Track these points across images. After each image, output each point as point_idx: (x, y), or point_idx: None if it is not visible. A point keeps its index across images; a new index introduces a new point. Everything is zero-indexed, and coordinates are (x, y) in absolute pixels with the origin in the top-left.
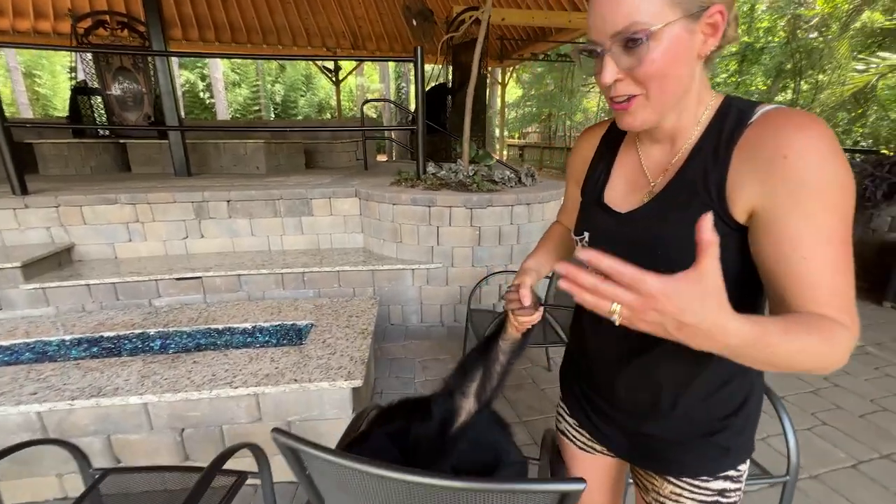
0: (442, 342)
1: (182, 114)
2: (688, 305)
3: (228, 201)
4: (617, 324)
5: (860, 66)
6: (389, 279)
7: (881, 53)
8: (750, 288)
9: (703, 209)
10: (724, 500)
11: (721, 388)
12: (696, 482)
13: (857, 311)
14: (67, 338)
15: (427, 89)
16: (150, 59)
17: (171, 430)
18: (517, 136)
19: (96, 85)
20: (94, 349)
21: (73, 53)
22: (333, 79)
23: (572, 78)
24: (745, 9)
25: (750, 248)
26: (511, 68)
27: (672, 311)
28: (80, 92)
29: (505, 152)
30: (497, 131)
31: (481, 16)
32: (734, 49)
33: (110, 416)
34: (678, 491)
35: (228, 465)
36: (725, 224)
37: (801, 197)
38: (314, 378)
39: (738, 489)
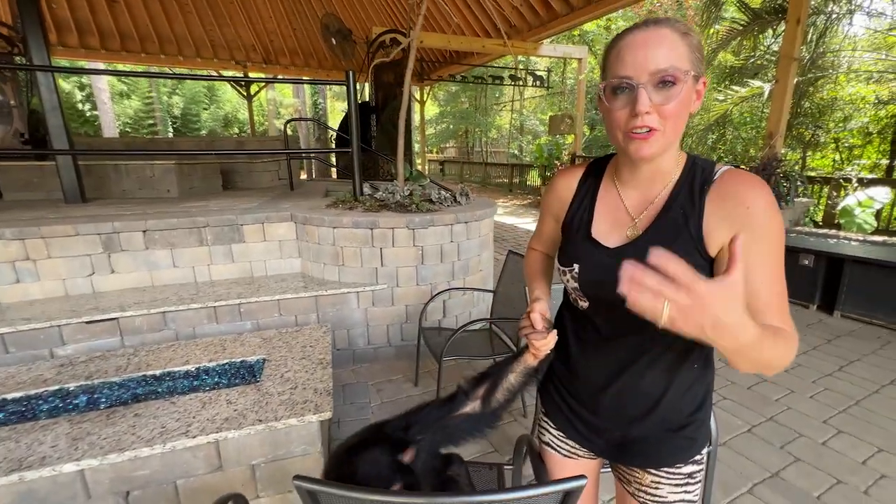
0: (391, 363)
1: (69, 132)
2: (728, 305)
3: (145, 231)
4: (660, 325)
5: (720, 97)
6: (333, 304)
7: (734, 87)
8: None
9: (687, 245)
10: (692, 480)
11: (688, 390)
12: (672, 469)
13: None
14: None
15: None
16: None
17: (113, 495)
18: (436, 151)
19: None
20: None
21: None
22: (244, 93)
23: (486, 97)
24: None
25: (716, 272)
26: (429, 87)
27: (716, 310)
28: None
29: (427, 167)
30: (417, 146)
31: (409, 41)
32: None
33: (34, 491)
34: (657, 479)
35: None
36: (701, 257)
37: (760, 237)
38: (280, 416)
39: (702, 469)
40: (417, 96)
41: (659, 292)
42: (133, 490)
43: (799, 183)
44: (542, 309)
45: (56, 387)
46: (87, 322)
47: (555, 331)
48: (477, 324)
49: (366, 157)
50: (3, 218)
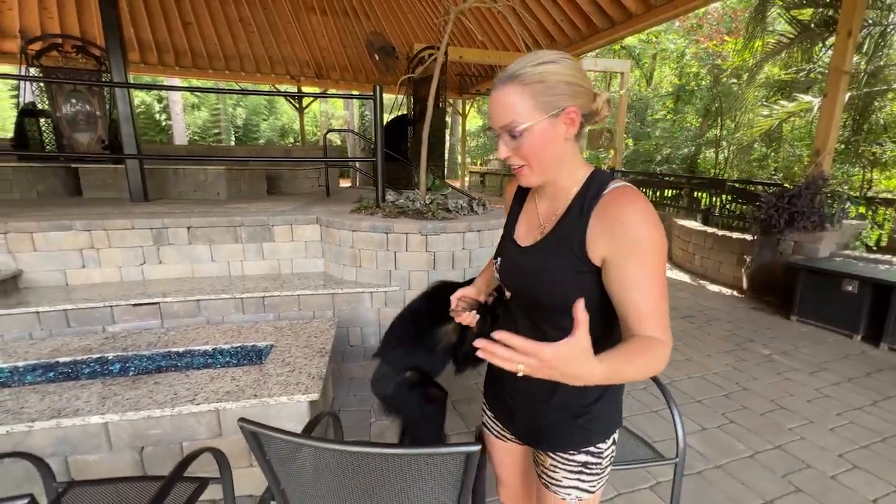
0: None
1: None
2: (570, 363)
3: (189, 227)
4: (520, 375)
5: (765, 112)
6: (349, 302)
7: (781, 101)
8: (609, 311)
9: (572, 253)
10: (587, 470)
11: (580, 391)
12: (566, 455)
13: (669, 327)
14: (20, 364)
15: (389, 120)
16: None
17: (130, 448)
18: (479, 162)
19: (45, 106)
20: (51, 374)
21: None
22: (297, 105)
23: None
24: (675, 55)
25: (604, 282)
26: (471, 100)
27: (560, 368)
28: (27, 114)
29: (467, 178)
30: (459, 158)
31: (434, 56)
32: (670, 90)
33: (69, 437)
34: (554, 463)
35: (190, 472)
36: (586, 266)
37: (634, 250)
38: (273, 393)
39: (600, 464)
40: (460, 109)
41: (509, 360)
42: (147, 446)
43: (848, 203)
44: (465, 293)
45: (98, 355)
46: (133, 305)
47: (473, 312)
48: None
49: (398, 167)
50: (77, 212)
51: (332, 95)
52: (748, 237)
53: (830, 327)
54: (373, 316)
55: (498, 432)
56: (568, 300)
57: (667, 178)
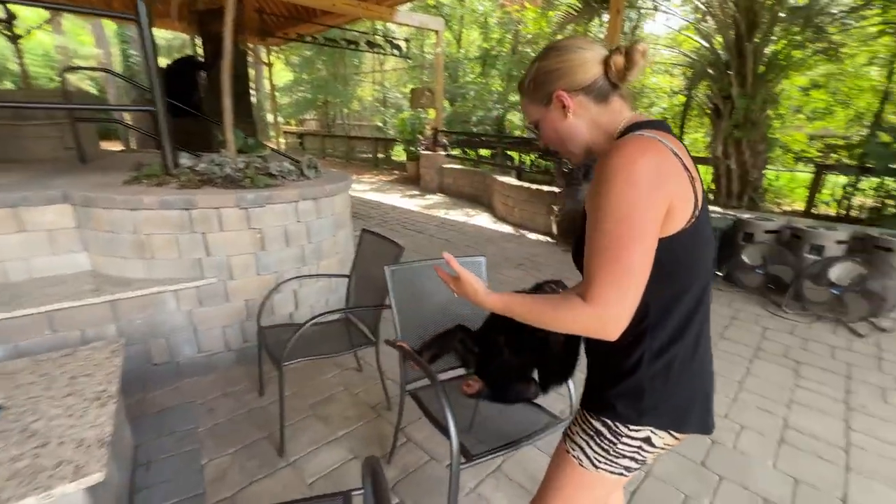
0: (231, 371)
1: None
2: (465, 290)
3: None
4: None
5: None
6: (142, 308)
7: None
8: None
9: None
10: (598, 440)
11: (621, 357)
12: (587, 414)
13: (604, 290)
14: None
15: (172, 62)
16: None
17: None
18: (294, 123)
19: None
20: None
21: None
22: (8, 32)
23: (345, 65)
24: (482, 20)
25: None
26: (276, 48)
27: (461, 291)
28: None
29: (282, 140)
30: (270, 117)
31: None
32: (477, 55)
33: None
34: (578, 417)
35: None
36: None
37: (592, 205)
38: (9, 497)
39: (614, 445)
40: (264, 57)
41: (443, 278)
42: None
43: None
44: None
45: None
46: None
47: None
48: (331, 314)
49: (193, 124)
50: None
51: (69, 8)
52: (556, 189)
53: None
54: (182, 320)
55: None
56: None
57: (482, 139)
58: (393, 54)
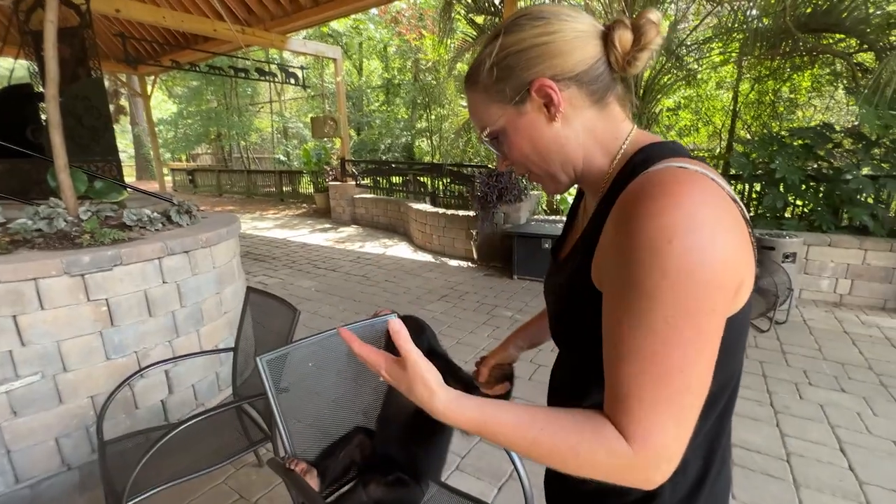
0: (72, 498)
1: None
2: (410, 386)
3: None
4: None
5: (463, 104)
6: None
7: None
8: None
9: (584, 270)
10: None
11: None
12: None
13: (657, 422)
14: None
15: None
16: None
17: None
18: (184, 158)
19: None
20: None
21: None
22: None
23: (237, 95)
24: (380, 48)
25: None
26: (158, 78)
27: (406, 387)
28: None
29: (168, 178)
30: (151, 153)
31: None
32: (380, 83)
33: None
34: None
35: None
36: (587, 287)
37: (623, 281)
38: None
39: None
40: (138, 88)
41: (363, 359)
42: None
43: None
44: (500, 356)
45: None
46: None
47: (507, 384)
48: (197, 418)
49: (31, 168)
50: None
51: None
52: (471, 213)
53: (541, 279)
54: None
55: None
56: (587, 329)
57: (393, 166)
58: (288, 83)
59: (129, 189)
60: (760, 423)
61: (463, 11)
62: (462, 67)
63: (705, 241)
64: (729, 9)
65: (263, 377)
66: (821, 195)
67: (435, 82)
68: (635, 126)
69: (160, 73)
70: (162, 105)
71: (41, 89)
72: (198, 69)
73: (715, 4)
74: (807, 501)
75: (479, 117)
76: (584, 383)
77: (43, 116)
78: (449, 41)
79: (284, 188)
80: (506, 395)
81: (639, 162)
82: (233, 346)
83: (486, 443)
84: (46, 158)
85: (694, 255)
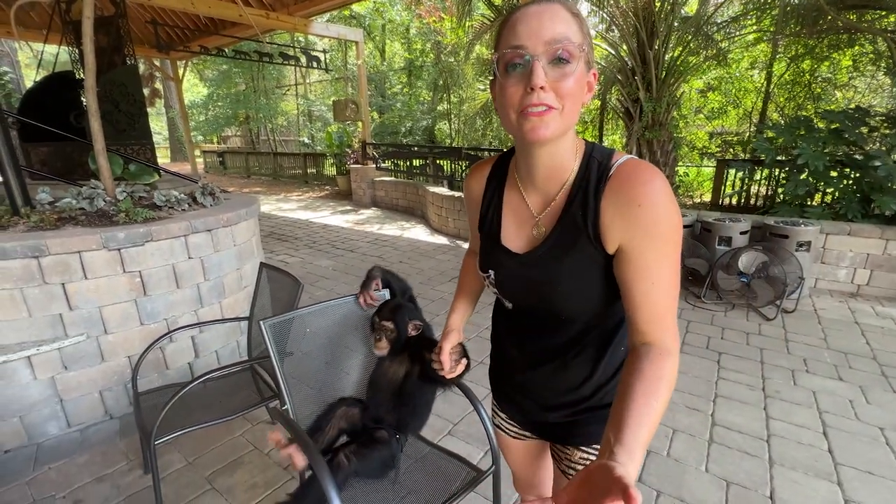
0: (112, 446)
1: None
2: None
3: None
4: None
5: (482, 87)
6: None
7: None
8: (614, 292)
9: (586, 246)
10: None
11: (616, 372)
12: (597, 447)
13: (675, 331)
14: None
15: (41, 78)
16: None
17: None
18: (216, 140)
19: None
20: None
21: None
22: None
23: (264, 79)
24: (402, 30)
25: (614, 271)
26: (186, 62)
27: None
28: None
29: (200, 160)
30: (184, 135)
31: None
32: (402, 65)
33: None
34: (585, 456)
35: None
36: (601, 254)
37: (652, 237)
38: None
39: None
40: (171, 72)
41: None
42: None
43: None
44: (452, 342)
45: None
46: None
47: (465, 360)
48: (222, 370)
49: (75, 151)
50: None
51: None
52: None
53: None
54: (41, 392)
55: (514, 433)
56: (592, 303)
57: (413, 149)
58: (311, 66)
59: (160, 172)
60: (747, 405)
61: None
62: (480, 50)
63: (676, 203)
64: None
65: (265, 337)
66: (851, 182)
67: (456, 64)
68: None
69: (191, 58)
70: (194, 88)
71: (81, 76)
72: (225, 54)
73: None
74: (778, 478)
75: (568, 29)
76: (582, 341)
77: (84, 101)
78: (468, 23)
79: (308, 170)
80: (466, 369)
81: (599, 154)
82: (246, 316)
83: (475, 413)
84: (87, 142)
85: (680, 216)
